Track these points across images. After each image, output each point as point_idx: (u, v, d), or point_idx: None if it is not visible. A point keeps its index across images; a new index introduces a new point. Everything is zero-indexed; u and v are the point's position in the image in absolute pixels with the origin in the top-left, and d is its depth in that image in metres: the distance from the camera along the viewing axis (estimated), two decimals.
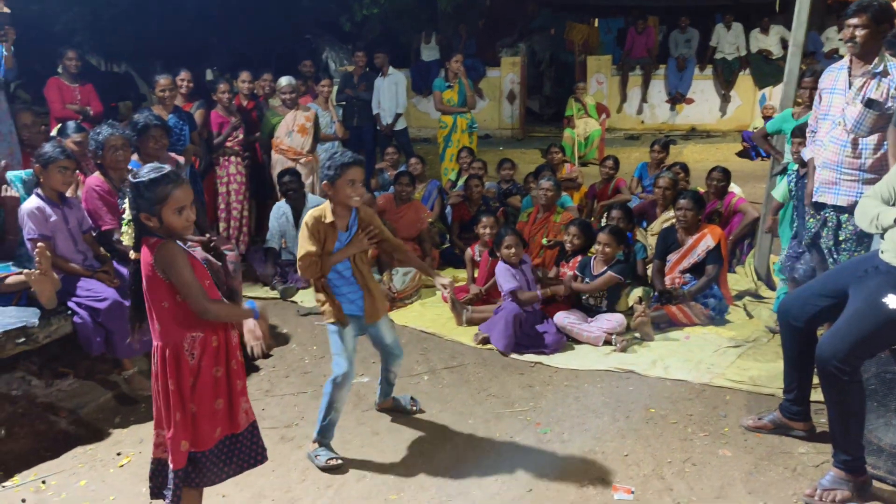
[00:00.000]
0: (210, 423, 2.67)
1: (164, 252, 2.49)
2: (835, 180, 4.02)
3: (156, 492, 2.76)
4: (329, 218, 3.41)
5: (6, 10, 4.86)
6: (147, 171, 2.52)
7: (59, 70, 7.21)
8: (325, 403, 3.50)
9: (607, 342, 4.86)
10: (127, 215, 2.54)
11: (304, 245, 3.41)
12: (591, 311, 5.10)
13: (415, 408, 4.00)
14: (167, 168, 2.56)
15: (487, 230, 5.69)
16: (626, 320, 5.01)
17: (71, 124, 5.11)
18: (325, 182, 3.42)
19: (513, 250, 5.08)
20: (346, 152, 3.45)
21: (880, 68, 3.77)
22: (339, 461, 3.45)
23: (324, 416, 3.50)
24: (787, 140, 5.14)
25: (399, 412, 3.97)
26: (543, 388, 4.31)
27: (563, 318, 4.98)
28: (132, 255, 2.59)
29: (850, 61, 3.95)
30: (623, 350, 4.75)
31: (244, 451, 2.80)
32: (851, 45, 3.84)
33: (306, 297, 5.85)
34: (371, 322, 3.62)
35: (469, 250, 5.92)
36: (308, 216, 3.45)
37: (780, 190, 5.05)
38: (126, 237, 2.55)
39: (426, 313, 5.63)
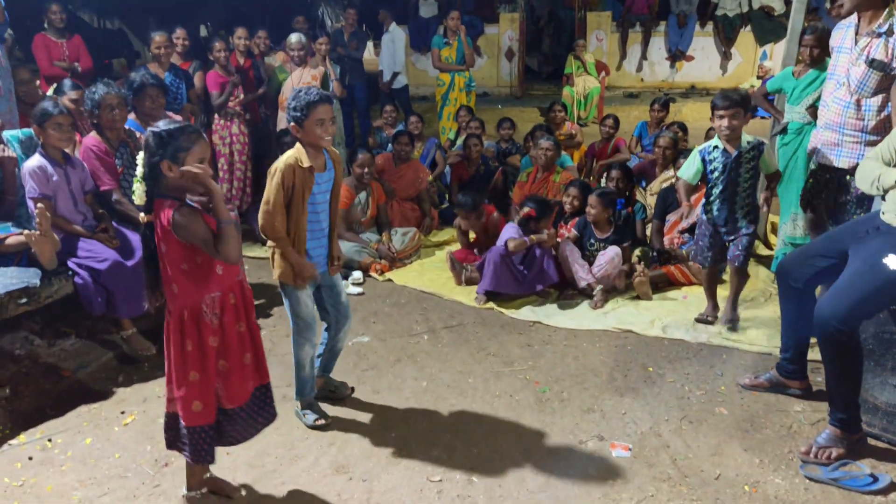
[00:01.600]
0: (242, 379, 2.76)
1: (181, 216, 2.49)
2: (837, 141, 4.00)
3: (171, 442, 2.82)
4: (306, 162, 3.16)
5: None
6: (167, 123, 2.54)
7: (45, 26, 7.08)
8: (294, 363, 3.49)
9: (587, 290, 4.97)
10: (139, 172, 2.52)
11: (274, 199, 3.14)
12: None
13: (349, 392, 3.79)
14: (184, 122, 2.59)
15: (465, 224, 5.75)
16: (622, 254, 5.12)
17: (67, 82, 5.04)
18: (292, 124, 3.19)
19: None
20: (311, 89, 3.20)
21: (885, 27, 3.68)
22: (326, 421, 3.48)
23: (295, 374, 3.52)
24: (787, 99, 5.10)
25: (328, 396, 3.74)
26: (542, 347, 4.35)
27: (568, 248, 5.10)
28: (143, 217, 2.58)
29: (858, 18, 3.86)
30: (598, 307, 4.85)
31: (269, 400, 2.93)
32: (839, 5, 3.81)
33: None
34: (333, 273, 3.51)
35: (457, 221, 5.87)
36: (279, 163, 3.17)
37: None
38: (137, 196, 2.53)
39: (425, 273, 5.65)
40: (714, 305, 4.59)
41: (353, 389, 3.80)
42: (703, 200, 4.38)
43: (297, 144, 3.23)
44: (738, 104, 4.04)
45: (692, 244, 4.57)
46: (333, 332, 3.64)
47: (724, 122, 4.05)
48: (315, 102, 3.14)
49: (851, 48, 3.86)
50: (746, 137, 4.16)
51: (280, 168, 3.15)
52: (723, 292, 4.64)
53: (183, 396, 2.66)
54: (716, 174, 4.20)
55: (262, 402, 2.90)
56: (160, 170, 2.49)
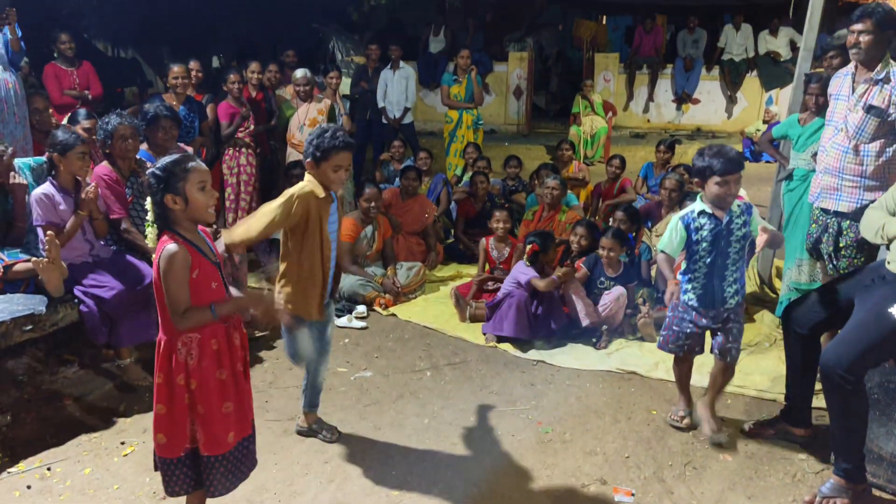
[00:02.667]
0: (222, 428, 2.66)
1: (166, 255, 2.49)
2: (836, 186, 4.04)
3: (155, 466, 2.78)
4: (321, 193, 3.13)
5: None
6: (162, 161, 2.57)
7: (55, 55, 7.18)
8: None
9: (591, 327, 4.94)
10: (150, 216, 2.55)
11: (270, 222, 3.05)
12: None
13: (335, 437, 3.64)
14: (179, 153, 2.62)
15: (500, 224, 5.79)
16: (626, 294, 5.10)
17: (82, 111, 5.11)
18: (308, 160, 3.14)
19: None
20: (338, 132, 3.14)
21: (882, 75, 3.78)
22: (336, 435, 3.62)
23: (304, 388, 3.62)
24: (792, 145, 5.15)
25: (315, 434, 3.66)
26: (545, 386, 4.33)
27: (574, 286, 5.06)
28: (154, 258, 2.59)
29: (855, 67, 3.95)
30: (602, 348, 4.84)
31: (253, 451, 2.84)
32: (856, 51, 3.84)
33: None
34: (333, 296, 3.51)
35: (483, 241, 5.94)
36: (297, 190, 3.10)
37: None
38: (150, 240, 2.57)
39: (429, 308, 5.65)
40: (688, 401, 3.85)
41: (340, 434, 3.69)
42: (682, 278, 3.64)
43: (310, 177, 3.19)
44: (743, 167, 3.50)
45: (663, 330, 3.76)
46: (316, 366, 3.55)
47: (728, 189, 3.39)
48: (338, 147, 3.11)
49: (849, 95, 3.94)
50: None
51: (297, 194, 3.09)
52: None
53: (153, 425, 2.65)
54: (703, 245, 3.48)
55: (245, 453, 2.79)
56: (167, 206, 2.53)
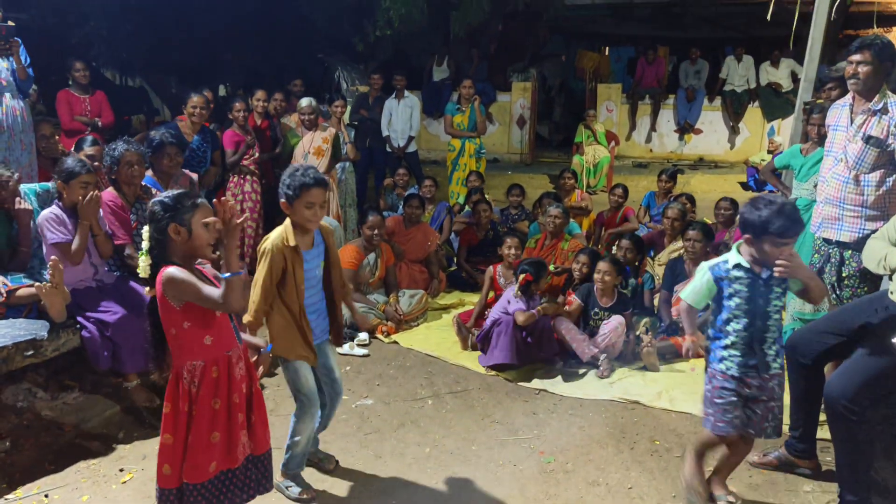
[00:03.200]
0: (205, 456, 2.64)
1: (169, 278, 2.51)
2: (838, 216, 4.05)
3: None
4: (291, 241, 3.11)
5: (10, 23, 4.92)
6: (168, 192, 2.62)
7: (69, 83, 7.27)
8: (291, 438, 3.35)
9: (593, 360, 4.91)
10: (144, 245, 2.56)
11: (262, 281, 3.09)
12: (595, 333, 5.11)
13: (332, 467, 3.64)
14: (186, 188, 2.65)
15: (512, 251, 5.76)
16: (625, 322, 5.07)
17: (88, 138, 5.16)
18: (283, 200, 3.14)
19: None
20: (309, 170, 3.12)
21: (880, 105, 3.81)
22: (310, 495, 3.35)
23: (289, 448, 3.36)
24: (795, 175, 5.16)
25: (313, 466, 3.62)
26: (548, 415, 4.30)
27: (564, 325, 5.03)
28: (147, 291, 2.62)
29: (853, 98, 3.98)
30: (604, 376, 4.80)
31: (238, 484, 2.77)
32: (854, 81, 3.87)
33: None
34: (338, 344, 3.51)
35: (490, 269, 5.92)
36: (270, 244, 3.11)
37: None
38: (142, 270, 2.57)
39: (431, 336, 5.63)
40: (722, 487, 3.34)
41: (337, 463, 3.67)
42: (713, 342, 3.20)
43: (287, 221, 3.19)
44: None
45: (706, 408, 3.21)
46: (328, 411, 3.54)
47: (782, 252, 2.93)
48: (308, 185, 3.08)
49: (847, 126, 3.97)
50: None
51: (269, 249, 3.11)
52: None
53: (158, 456, 2.65)
54: (736, 301, 3.05)
55: (228, 486, 2.73)
56: (167, 235, 2.54)
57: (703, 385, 3.24)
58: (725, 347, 3.10)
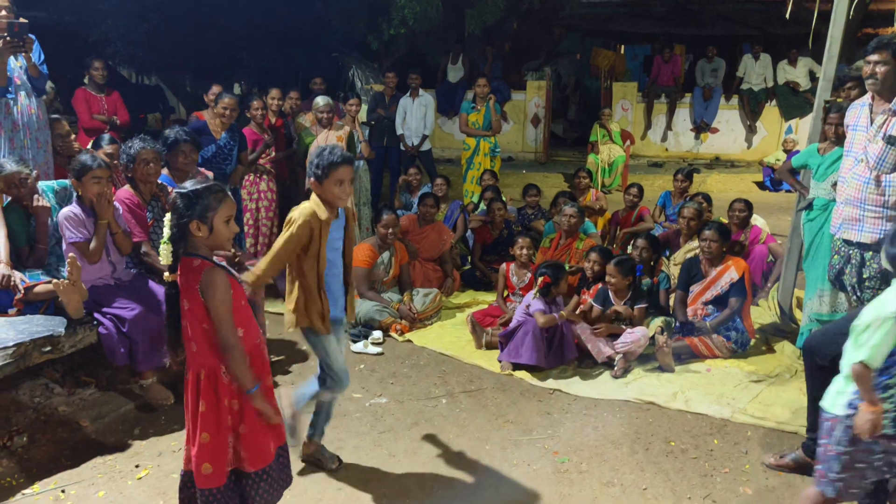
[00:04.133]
0: (264, 440, 2.72)
1: (211, 278, 2.52)
2: (858, 217, 4.00)
3: None
4: (323, 215, 3.22)
5: (23, 20, 4.94)
6: (194, 183, 2.59)
7: (86, 80, 7.32)
8: (308, 399, 3.50)
9: (609, 360, 4.89)
10: (166, 232, 2.56)
11: (276, 255, 3.23)
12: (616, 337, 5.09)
13: (335, 466, 3.62)
14: (210, 181, 2.63)
15: (524, 251, 5.78)
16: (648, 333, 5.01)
17: (105, 136, 5.19)
18: (311, 179, 3.25)
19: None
20: (336, 149, 3.27)
21: None
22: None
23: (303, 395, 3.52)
24: (812, 175, 5.11)
25: (316, 462, 3.63)
26: (562, 415, 4.29)
27: (580, 325, 5.04)
28: (167, 276, 2.61)
29: (872, 98, 3.93)
30: (618, 376, 4.77)
31: (288, 464, 2.89)
32: (872, 81, 3.83)
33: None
34: (350, 318, 3.59)
35: (503, 266, 5.94)
36: (299, 215, 3.20)
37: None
38: (164, 256, 2.56)
39: (445, 335, 5.63)
40: None
41: (340, 463, 3.64)
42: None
43: (314, 197, 3.28)
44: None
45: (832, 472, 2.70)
46: (329, 395, 3.58)
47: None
48: (337, 163, 3.21)
49: (867, 126, 3.92)
50: None
51: (298, 221, 3.19)
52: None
53: (196, 456, 2.64)
54: None
55: (284, 463, 2.86)
56: (189, 230, 2.54)
57: (826, 439, 2.72)
58: (883, 400, 2.56)
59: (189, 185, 2.58)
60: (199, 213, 2.53)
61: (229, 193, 2.66)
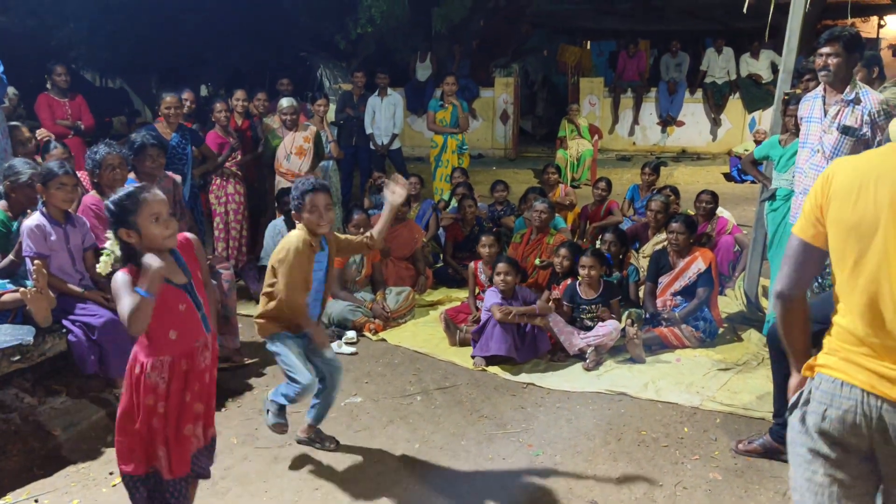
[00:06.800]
0: (187, 448, 2.71)
1: (113, 281, 2.46)
2: None
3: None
4: (312, 242, 3.44)
5: None
6: (117, 193, 2.58)
7: (49, 86, 7.21)
8: (281, 397, 3.59)
9: (580, 353, 4.96)
10: (108, 245, 2.52)
11: (290, 279, 3.38)
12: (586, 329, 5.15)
13: (333, 447, 3.81)
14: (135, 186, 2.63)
15: (487, 249, 5.81)
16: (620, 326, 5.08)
17: (51, 143, 5.15)
18: (293, 212, 3.46)
19: (502, 277, 5.10)
20: (309, 179, 3.46)
21: (852, 96, 3.88)
22: (283, 431, 3.69)
23: (280, 393, 3.60)
24: (774, 166, 5.22)
25: (313, 443, 3.82)
26: (535, 409, 4.34)
27: (552, 318, 5.08)
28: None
29: (825, 90, 4.04)
30: (590, 368, 4.83)
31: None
32: (825, 73, 3.93)
33: None
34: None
35: (472, 265, 5.97)
36: (295, 241, 3.39)
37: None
38: (101, 268, 2.51)
39: (419, 333, 5.65)
40: None
41: (337, 443, 3.82)
42: None
43: (299, 226, 3.47)
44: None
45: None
46: (330, 384, 3.71)
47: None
48: (310, 191, 3.38)
49: (821, 118, 4.03)
50: None
51: (295, 246, 3.37)
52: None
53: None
54: None
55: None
56: (124, 240, 2.51)
57: None
58: None
59: (113, 196, 2.55)
60: (122, 221, 2.49)
61: (154, 191, 2.58)
